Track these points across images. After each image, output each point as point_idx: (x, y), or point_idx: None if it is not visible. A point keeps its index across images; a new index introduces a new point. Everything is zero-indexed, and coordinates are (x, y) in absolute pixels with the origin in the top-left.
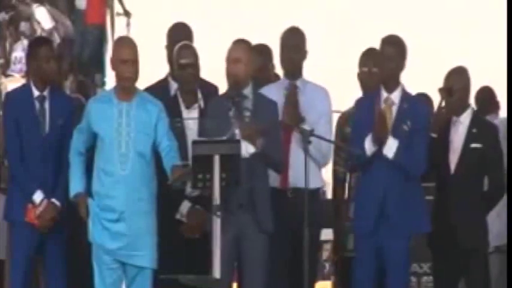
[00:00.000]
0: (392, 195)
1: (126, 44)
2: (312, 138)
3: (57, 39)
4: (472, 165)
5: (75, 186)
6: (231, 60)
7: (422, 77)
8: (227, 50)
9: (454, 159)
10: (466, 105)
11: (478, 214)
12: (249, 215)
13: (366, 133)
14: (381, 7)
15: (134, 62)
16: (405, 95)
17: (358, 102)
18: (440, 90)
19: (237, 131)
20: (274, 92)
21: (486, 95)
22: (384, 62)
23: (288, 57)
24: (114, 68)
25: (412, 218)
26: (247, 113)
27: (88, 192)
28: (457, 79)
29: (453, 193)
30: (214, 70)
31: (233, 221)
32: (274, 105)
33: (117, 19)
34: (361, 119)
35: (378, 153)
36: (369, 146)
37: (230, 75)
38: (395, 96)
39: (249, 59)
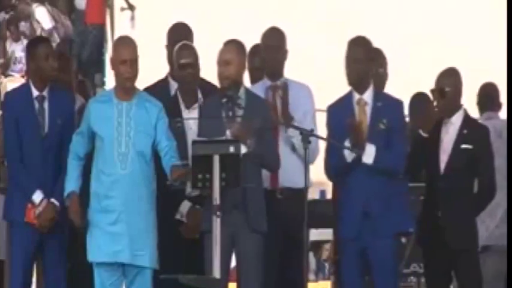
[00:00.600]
0: (374, 195)
1: (125, 44)
2: (296, 136)
3: (56, 39)
4: (462, 166)
5: (69, 186)
6: (221, 62)
7: (421, 77)
8: (218, 51)
9: (444, 159)
10: (458, 106)
11: (467, 214)
12: (243, 215)
13: (342, 140)
14: (380, 7)
15: (134, 62)
16: (377, 94)
17: (330, 108)
18: (432, 91)
19: (228, 132)
20: (258, 92)
21: (489, 92)
22: (351, 63)
23: (271, 57)
24: (113, 68)
25: (395, 217)
26: (240, 113)
27: (83, 197)
28: (448, 80)
29: (442, 193)
30: (214, 70)
31: (227, 222)
32: (266, 104)
33: (121, 13)
34: (336, 124)
35: (358, 157)
36: (348, 153)
37: (221, 78)
38: (367, 96)
39: (240, 59)
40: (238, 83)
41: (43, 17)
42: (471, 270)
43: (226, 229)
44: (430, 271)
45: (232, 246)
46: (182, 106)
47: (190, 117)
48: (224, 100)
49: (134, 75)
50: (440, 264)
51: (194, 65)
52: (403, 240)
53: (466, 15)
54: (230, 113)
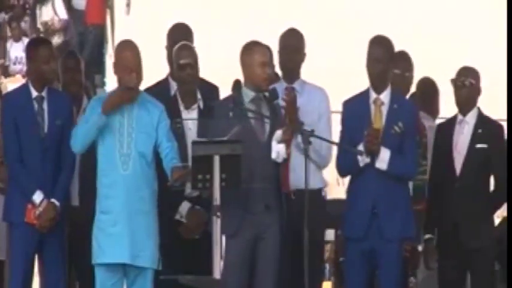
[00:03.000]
0: (383, 197)
1: (128, 51)
2: (313, 141)
3: (67, 35)
4: (478, 165)
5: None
6: (260, 64)
7: (419, 77)
8: (254, 51)
9: (459, 159)
10: (474, 104)
11: (483, 214)
12: (273, 215)
13: (356, 136)
14: (380, 7)
15: (138, 71)
16: (394, 96)
17: (346, 104)
18: (453, 80)
19: (279, 132)
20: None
21: (427, 88)
22: (372, 62)
23: (289, 58)
24: (116, 73)
25: (402, 221)
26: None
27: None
28: (470, 75)
29: (458, 194)
30: (214, 70)
31: (254, 222)
32: (279, 107)
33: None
34: (351, 121)
35: (370, 161)
36: (362, 158)
37: (262, 79)
38: (384, 96)
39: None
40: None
41: (61, 7)
42: (486, 269)
43: (253, 230)
44: (444, 271)
45: (254, 247)
46: (181, 107)
47: (190, 118)
48: (276, 102)
49: (138, 83)
50: (455, 264)
51: (193, 66)
52: (420, 247)
53: (466, 15)
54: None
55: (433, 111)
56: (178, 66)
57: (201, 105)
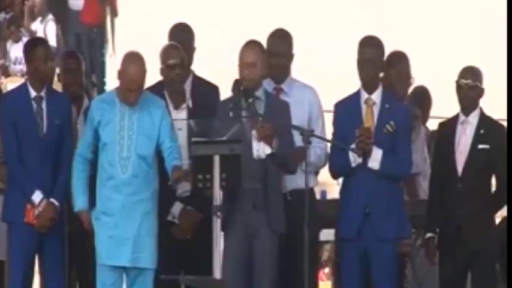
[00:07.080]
0: (376, 197)
1: (134, 67)
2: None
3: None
4: (480, 166)
5: (78, 201)
6: (245, 64)
7: (419, 78)
8: (240, 52)
9: (461, 160)
10: (476, 105)
11: (485, 215)
12: (263, 215)
13: (348, 138)
14: (379, 7)
15: (139, 89)
16: (385, 95)
17: (337, 105)
18: (456, 81)
19: (253, 132)
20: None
21: (422, 97)
22: (364, 63)
23: (276, 62)
24: (119, 83)
25: (396, 222)
26: (261, 113)
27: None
28: (473, 76)
29: (460, 194)
30: (214, 70)
31: (245, 222)
32: (286, 106)
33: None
34: (343, 123)
35: (363, 161)
36: (354, 158)
37: (245, 80)
38: (376, 96)
39: (262, 61)
40: (260, 83)
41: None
42: (487, 270)
43: (245, 229)
44: (446, 272)
45: (249, 247)
46: (171, 107)
47: (179, 118)
48: (250, 101)
49: (139, 95)
50: (457, 265)
51: (182, 65)
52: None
53: (466, 15)
54: (250, 115)
55: (424, 118)
56: (167, 66)
57: (190, 105)
